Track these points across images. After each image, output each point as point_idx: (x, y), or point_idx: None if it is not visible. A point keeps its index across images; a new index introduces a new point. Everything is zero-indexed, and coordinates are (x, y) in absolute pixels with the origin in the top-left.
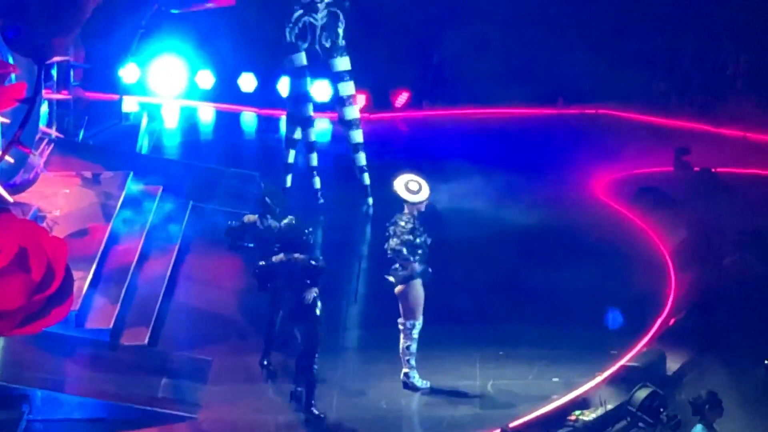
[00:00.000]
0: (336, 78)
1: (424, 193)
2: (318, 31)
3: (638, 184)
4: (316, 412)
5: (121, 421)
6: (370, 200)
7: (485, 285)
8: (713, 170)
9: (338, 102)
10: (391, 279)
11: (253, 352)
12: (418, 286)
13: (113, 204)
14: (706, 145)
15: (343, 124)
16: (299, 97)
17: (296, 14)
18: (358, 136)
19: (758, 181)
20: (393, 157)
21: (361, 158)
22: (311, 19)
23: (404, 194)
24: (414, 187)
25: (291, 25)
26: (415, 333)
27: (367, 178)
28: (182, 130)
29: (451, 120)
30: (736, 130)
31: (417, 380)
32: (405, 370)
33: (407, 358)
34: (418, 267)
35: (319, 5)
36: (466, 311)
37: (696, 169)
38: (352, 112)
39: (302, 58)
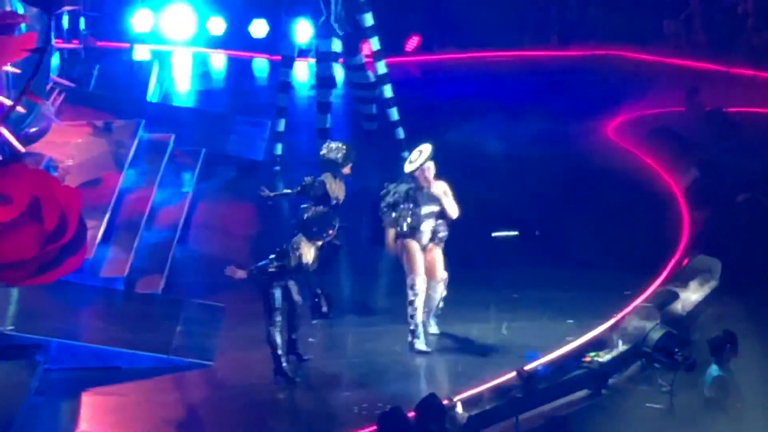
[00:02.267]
0: (361, 34)
1: (418, 159)
2: (333, 7)
3: (650, 125)
4: (301, 354)
5: (136, 369)
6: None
7: (497, 227)
8: (724, 110)
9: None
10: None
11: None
12: (406, 243)
13: (125, 153)
14: (717, 85)
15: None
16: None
17: None
18: (388, 91)
19: None
20: (405, 101)
21: (394, 114)
22: None
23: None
24: (414, 156)
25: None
26: (412, 295)
27: (401, 133)
28: (193, 77)
29: (461, 63)
30: (746, 69)
31: (417, 343)
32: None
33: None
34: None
35: None
36: (479, 254)
37: (707, 108)
38: (382, 67)
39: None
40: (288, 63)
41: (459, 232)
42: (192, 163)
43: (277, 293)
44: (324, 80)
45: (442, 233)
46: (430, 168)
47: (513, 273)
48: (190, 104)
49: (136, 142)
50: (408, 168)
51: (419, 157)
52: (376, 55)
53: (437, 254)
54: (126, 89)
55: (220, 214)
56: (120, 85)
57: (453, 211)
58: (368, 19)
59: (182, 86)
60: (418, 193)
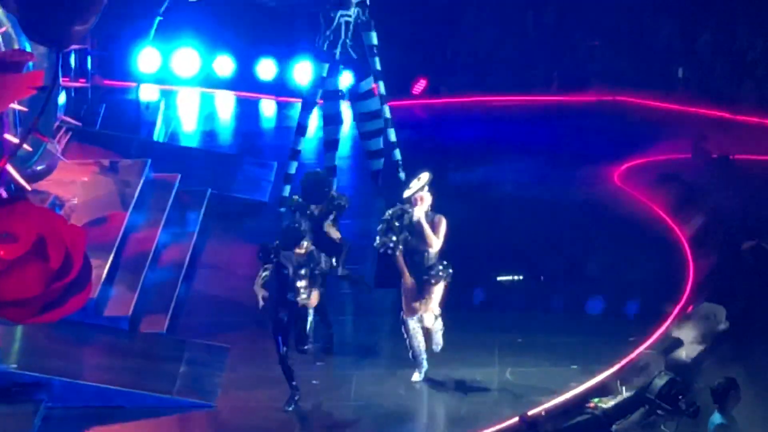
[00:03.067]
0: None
1: (414, 187)
2: (351, 27)
3: (656, 171)
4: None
5: (139, 408)
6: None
7: (502, 271)
8: (731, 157)
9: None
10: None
11: (271, 339)
12: (403, 278)
13: (131, 192)
14: (725, 132)
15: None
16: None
17: (334, 17)
18: (392, 135)
19: None
20: (413, 143)
21: (397, 155)
22: (346, 18)
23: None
24: (413, 183)
25: (329, 29)
26: (405, 333)
27: (403, 176)
28: (200, 117)
29: (468, 107)
30: (754, 116)
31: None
32: None
33: None
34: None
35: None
36: (484, 298)
37: (714, 155)
38: (386, 111)
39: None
40: (309, 107)
41: (464, 275)
42: (197, 204)
43: (281, 324)
44: (330, 117)
45: (441, 271)
46: (423, 197)
47: (518, 317)
48: (196, 144)
49: (141, 182)
50: (405, 194)
51: (416, 185)
52: (381, 99)
53: (436, 290)
54: (132, 128)
55: (225, 255)
56: (127, 125)
57: (432, 241)
58: (375, 64)
59: (189, 126)
60: (413, 222)
